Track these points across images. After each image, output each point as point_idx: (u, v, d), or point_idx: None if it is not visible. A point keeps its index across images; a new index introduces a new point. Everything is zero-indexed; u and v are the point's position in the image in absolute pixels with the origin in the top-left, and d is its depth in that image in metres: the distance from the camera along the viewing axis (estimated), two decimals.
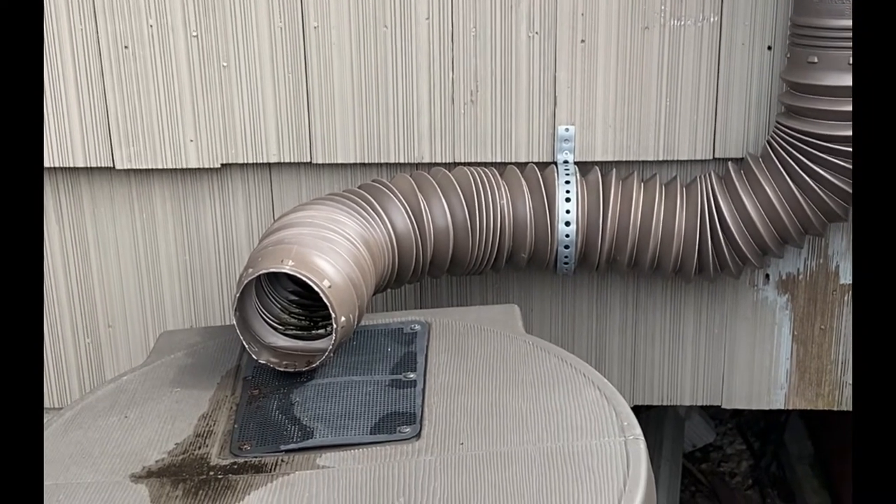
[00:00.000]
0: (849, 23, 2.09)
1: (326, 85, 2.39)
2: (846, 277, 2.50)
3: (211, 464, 1.76)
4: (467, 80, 2.38)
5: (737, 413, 3.91)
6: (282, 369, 1.98)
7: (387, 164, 2.46)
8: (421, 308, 2.58)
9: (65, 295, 2.60)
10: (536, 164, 2.39)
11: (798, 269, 2.51)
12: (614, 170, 2.39)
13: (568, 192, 2.32)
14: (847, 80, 2.13)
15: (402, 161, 2.44)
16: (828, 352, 2.56)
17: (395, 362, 1.99)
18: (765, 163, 2.29)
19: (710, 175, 2.35)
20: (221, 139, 2.44)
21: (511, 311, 2.19)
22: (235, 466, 1.74)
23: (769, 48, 2.34)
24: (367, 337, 2.08)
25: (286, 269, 1.92)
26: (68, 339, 2.64)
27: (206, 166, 2.46)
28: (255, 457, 1.76)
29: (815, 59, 2.15)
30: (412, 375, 1.94)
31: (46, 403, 2.68)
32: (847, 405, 2.61)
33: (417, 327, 2.10)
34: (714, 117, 2.39)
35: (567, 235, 2.32)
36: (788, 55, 2.25)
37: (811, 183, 2.24)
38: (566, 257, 2.35)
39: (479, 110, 2.40)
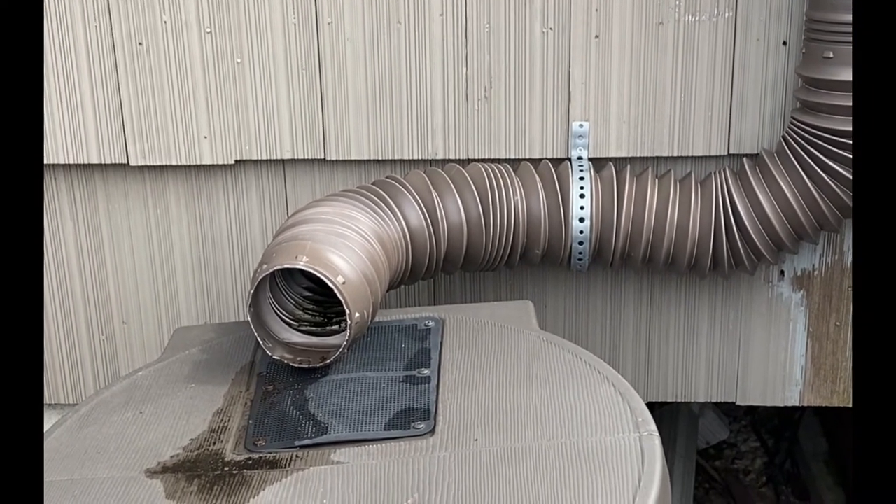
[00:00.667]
0: None
1: (340, 81, 2.39)
2: None
3: (226, 459, 1.76)
4: (481, 76, 2.38)
5: (751, 410, 3.90)
6: (296, 365, 1.98)
7: (400, 160, 2.46)
8: (435, 304, 2.58)
9: (79, 291, 2.61)
10: (550, 160, 2.39)
11: (813, 266, 2.50)
12: (629, 166, 2.38)
13: (582, 188, 2.32)
14: None
15: (415, 157, 2.44)
16: (843, 348, 2.55)
17: (409, 358, 1.99)
18: (780, 158, 2.29)
19: (724, 171, 2.34)
20: (235, 135, 2.44)
21: (525, 307, 2.18)
22: (250, 462, 1.75)
23: (784, 43, 2.33)
24: (381, 333, 2.08)
25: (300, 265, 1.92)
26: (83, 336, 2.65)
27: (220, 163, 2.46)
28: (270, 452, 1.77)
29: (831, 55, 2.14)
30: (426, 371, 1.94)
31: (61, 399, 2.70)
32: None
33: (431, 323, 2.10)
34: (729, 113, 2.38)
35: (581, 232, 2.32)
36: (804, 50, 2.24)
37: (826, 179, 2.23)
38: (580, 254, 2.34)
39: (493, 106, 2.40)
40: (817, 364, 2.57)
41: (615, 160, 2.41)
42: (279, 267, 1.93)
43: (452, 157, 2.43)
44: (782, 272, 2.51)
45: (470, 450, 1.70)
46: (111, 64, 2.40)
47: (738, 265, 2.37)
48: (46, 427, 1.95)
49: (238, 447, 1.79)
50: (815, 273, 2.51)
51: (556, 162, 2.38)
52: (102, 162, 2.47)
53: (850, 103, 2.15)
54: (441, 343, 2.03)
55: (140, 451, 1.80)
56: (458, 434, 1.75)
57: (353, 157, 2.45)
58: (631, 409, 1.76)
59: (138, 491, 1.70)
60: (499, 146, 2.42)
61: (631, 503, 1.55)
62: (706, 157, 2.43)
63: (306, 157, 2.45)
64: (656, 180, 2.35)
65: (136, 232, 2.56)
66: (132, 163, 2.47)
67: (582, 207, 2.31)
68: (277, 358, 1.98)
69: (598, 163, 2.40)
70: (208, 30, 2.37)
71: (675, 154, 2.41)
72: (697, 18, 2.32)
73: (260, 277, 1.94)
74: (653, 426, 1.71)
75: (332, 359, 1.96)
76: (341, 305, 1.91)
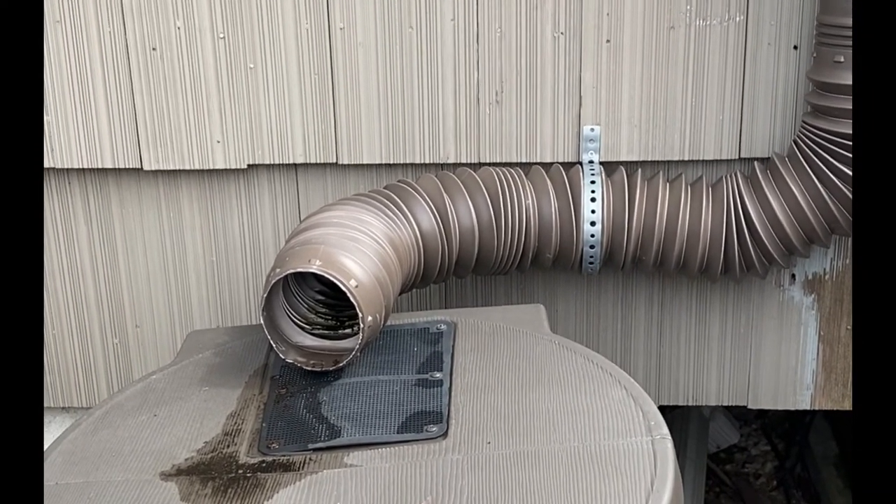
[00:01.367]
0: None
1: (352, 86, 2.40)
2: None
3: (240, 462, 1.77)
4: (492, 80, 2.39)
5: (761, 414, 3.90)
6: (309, 368, 1.99)
7: (412, 164, 2.47)
8: (446, 308, 2.59)
9: (93, 295, 2.62)
10: (562, 164, 2.40)
11: (824, 269, 2.50)
12: (640, 170, 2.39)
13: (593, 192, 2.32)
14: None
15: (427, 161, 2.45)
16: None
17: (422, 362, 2.00)
18: (791, 162, 2.29)
19: (736, 175, 2.34)
20: (248, 140, 2.45)
21: (536, 310, 2.19)
22: (264, 465, 1.76)
23: (795, 48, 2.33)
24: (393, 336, 2.09)
25: (313, 269, 1.93)
26: (96, 340, 2.66)
27: (233, 167, 2.47)
28: (284, 455, 1.77)
29: (842, 59, 2.15)
30: (438, 375, 1.95)
31: (75, 403, 2.71)
32: None
33: (443, 327, 2.11)
34: (740, 117, 2.39)
35: (592, 235, 2.32)
36: (815, 55, 2.24)
37: (838, 183, 2.23)
38: (591, 257, 2.35)
39: (505, 110, 2.41)
40: (828, 368, 2.58)
41: (626, 164, 2.42)
42: (292, 271, 1.94)
43: (464, 160, 2.44)
44: (793, 276, 2.52)
45: (482, 453, 1.71)
46: (125, 69, 2.41)
47: (749, 269, 2.37)
48: (61, 430, 1.96)
49: (252, 450, 1.80)
50: (826, 277, 2.51)
51: (568, 166, 2.39)
52: (116, 167, 2.49)
53: None
54: (453, 346, 2.04)
55: (154, 454, 1.81)
56: (471, 437, 1.75)
57: (365, 162, 2.46)
58: (643, 412, 1.77)
59: (153, 493, 1.71)
60: (510, 150, 2.43)
61: None
62: (717, 160, 2.43)
63: (319, 161, 2.46)
64: (667, 184, 2.35)
65: (150, 236, 2.57)
66: (146, 167, 2.48)
67: (593, 211, 2.32)
68: (290, 361, 1.99)
69: (609, 167, 2.41)
70: (221, 36, 2.38)
71: (687, 158, 2.42)
72: (708, 23, 2.33)
73: (273, 281, 1.95)
74: (665, 430, 1.72)
75: (344, 362, 1.97)
76: (354, 309, 1.92)
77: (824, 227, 2.29)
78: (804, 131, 2.26)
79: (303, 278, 2.09)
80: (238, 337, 2.19)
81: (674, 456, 1.67)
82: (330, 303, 2.12)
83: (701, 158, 2.42)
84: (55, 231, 2.58)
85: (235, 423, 1.89)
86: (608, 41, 2.35)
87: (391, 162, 2.45)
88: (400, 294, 2.18)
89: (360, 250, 2.01)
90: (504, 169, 2.35)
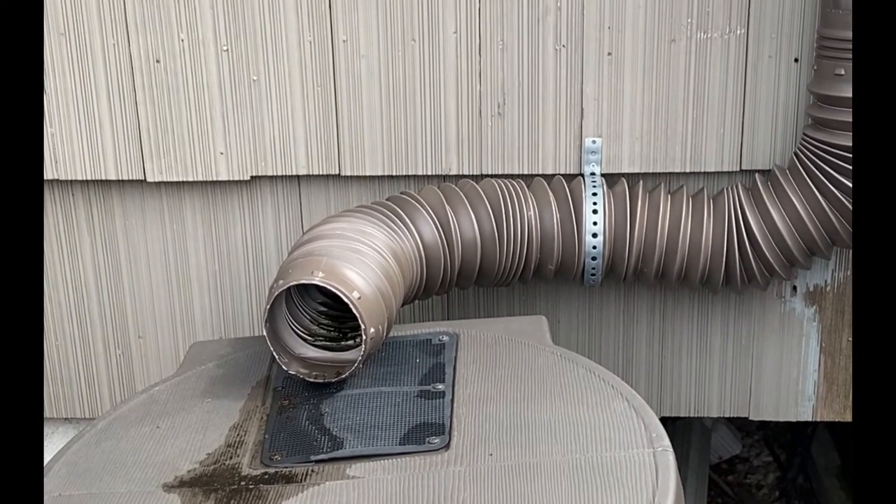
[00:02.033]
0: None
1: (355, 98, 2.41)
2: None
3: (242, 474, 1.77)
4: (495, 92, 2.40)
5: (763, 425, 3.90)
6: (311, 380, 1.99)
7: (414, 176, 2.47)
8: (449, 319, 2.59)
9: (96, 306, 2.63)
10: (563, 176, 2.40)
11: (825, 281, 2.51)
12: (641, 182, 2.40)
13: (595, 203, 2.33)
14: None
15: (429, 173, 2.46)
16: None
17: (424, 373, 2.01)
18: (792, 175, 2.30)
19: (737, 187, 2.35)
20: (251, 152, 2.46)
21: (538, 322, 2.19)
22: (266, 476, 1.76)
23: (796, 60, 2.34)
24: (395, 348, 2.10)
25: (316, 281, 1.94)
26: (99, 351, 2.66)
27: (236, 178, 2.48)
28: (286, 467, 1.78)
29: (842, 72, 2.15)
30: (441, 386, 1.95)
31: (77, 414, 2.71)
32: None
33: (446, 338, 2.11)
34: (741, 129, 2.39)
35: (594, 247, 2.33)
36: (815, 67, 2.25)
37: (838, 195, 2.23)
38: (593, 269, 2.35)
39: (507, 123, 2.42)
40: (830, 379, 2.58)
41: (628, 176, 2.43)
42: (295, 282, 1.95)
43: (466, 172, 2.45)
44: (795, 287, 2.52)
45: (485, 465, 1.71)
46: (129, 81, 2.42)
47: (750, 280, 2.37)
48: (64, 441, 1.96)
49: (254, 462, 1.80)
50: (828, 288, 2.51)
51: (569, 178, 2.40)
52: (120, 178, 2.50)
53: None
54: (455, 358, 2.04)
55: (157, 466, 1.82)
56: (473, 449, 1.76)
57: (367, 173, 2.46)
58: (645, 424, 1.77)
59: None
60: (512, 162, 2.44)
61: None
62: (718, 172, 2.44)
63: (321, 172, 2.47)
64: (669, 196, 2.36)
65: (153, 247, 2.58)
66: (149, 179, 2.49)
67: (595, 223, 2.32)
68: (293, 373, 2.00)
69: (610, 178, 2.41)
70: (225, 48, 2.39)
71: (688, 170, 2.42)
72: (709, 36, 2.34)
73: (276, 293, 1.95)
74: (667, 441, 1.72)
75: (347, 374, 1.97)
76: (356, 320, 1.92)
77: (825, 239, 2.30)
78: (805, 143, 2.27)
79: (306, 290, 2.10)
80: (241, 348, 2.19)
81: (675, 468, 1.67)
82: (333, 314, 2.12)
83: (702, 170, 2.42)
84: (59, 242, 2.59)
85: (238, 434, 1.89)
86: (609, 54, 2.36)
87: (393, 174, 2.46)
88: (402, 305, 2.18)
89: (363, 262, 2.02)
90: (506, 181, 2.36)
